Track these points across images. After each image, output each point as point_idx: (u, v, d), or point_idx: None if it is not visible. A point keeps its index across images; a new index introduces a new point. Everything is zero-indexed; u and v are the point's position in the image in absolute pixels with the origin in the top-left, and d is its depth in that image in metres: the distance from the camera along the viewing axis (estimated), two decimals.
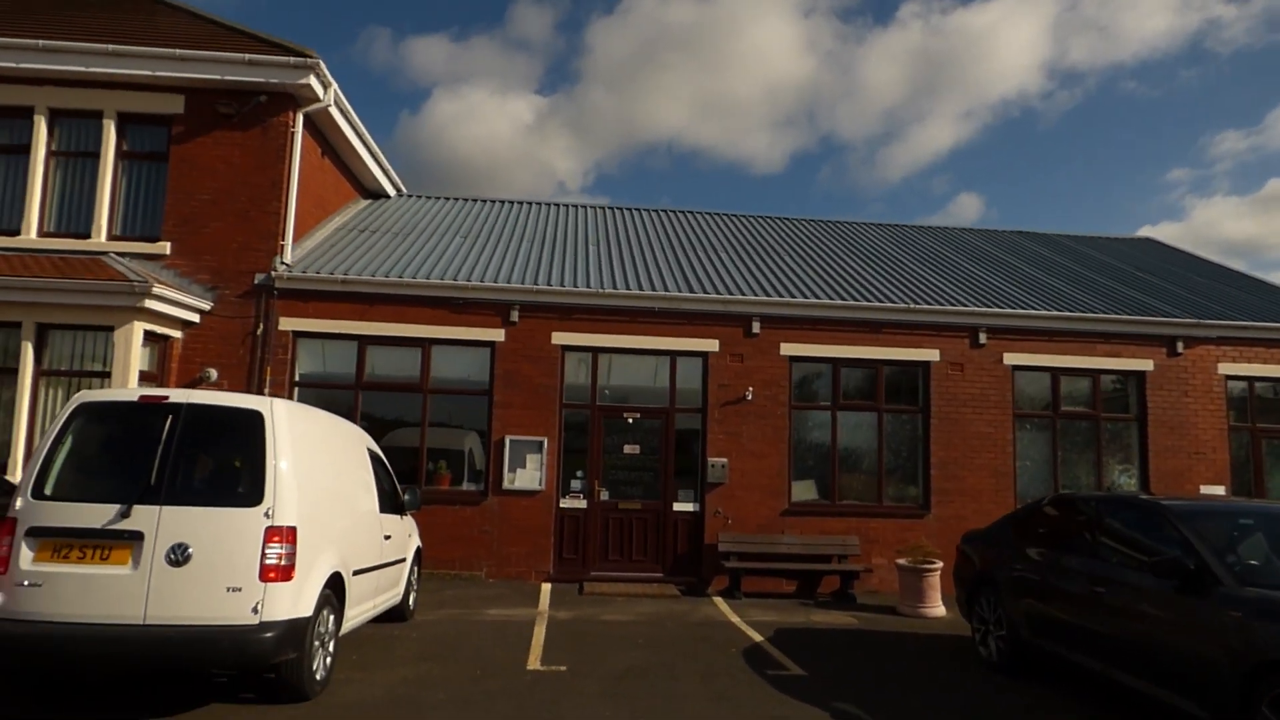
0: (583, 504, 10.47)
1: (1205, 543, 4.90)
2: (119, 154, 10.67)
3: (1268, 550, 5.28)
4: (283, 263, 10.57)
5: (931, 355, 10.94)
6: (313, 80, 10.72)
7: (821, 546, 10.29)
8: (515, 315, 10.59)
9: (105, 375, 8.97)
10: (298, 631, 4.71)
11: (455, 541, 10.17)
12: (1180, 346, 11.19)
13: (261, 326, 10.38)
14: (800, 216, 16.05)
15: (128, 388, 8.50)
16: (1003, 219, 65.26)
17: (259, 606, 4.45)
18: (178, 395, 4.93)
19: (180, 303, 9.74)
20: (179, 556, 4.40)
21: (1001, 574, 6.67)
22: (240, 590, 4.42)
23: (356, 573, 5.80)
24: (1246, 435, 11.31)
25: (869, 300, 11.02)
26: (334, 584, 5.32)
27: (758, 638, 7.70)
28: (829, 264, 12.93)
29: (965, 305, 11.10)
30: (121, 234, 10.55)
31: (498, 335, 10.60)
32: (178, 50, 10.35)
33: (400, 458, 10.43)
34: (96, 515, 4.46)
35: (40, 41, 10.11)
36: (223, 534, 4.50)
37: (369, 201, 14.73)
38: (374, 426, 10.62)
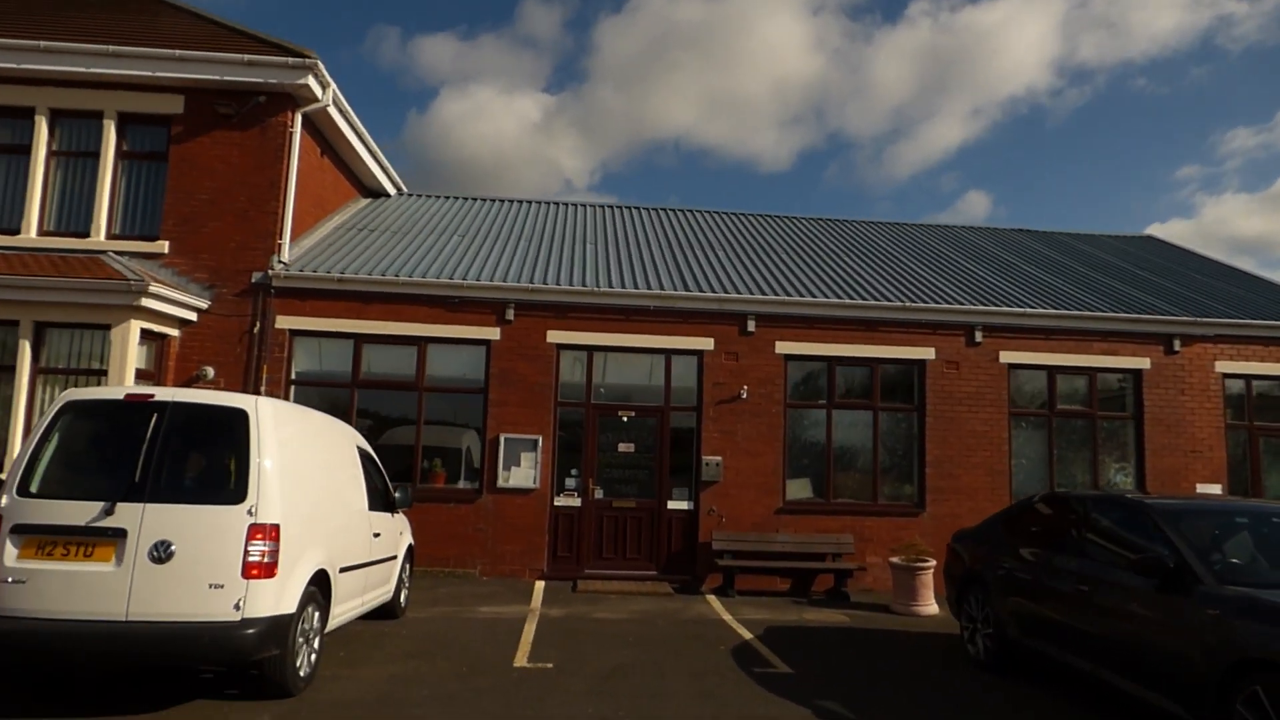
0: (577, 502, 10.51)
1: (1186, 541, 4.90)
2: (119, 154, 10.76)
3: (1253, 549, 5.27)
4: (280, 261, 10.64)
5: (927, 353, 10.93)
6: (311, 80, 10.78)
7: (816, 545, 10.29)
8: (511, 314, 10.63)
9: (102, 374, 9.06)
10: (281, 628, 4.76)
11: (450, 539, 10.22)
12: (1177, 344, 11.13)
13: (258, 325, 10.45)
14: (799, 215, 16.04)
15: (124, 386, 8.57)
16: (1011, 217, 64.96)
17: (241, 603, 4.50)
18: (163, 394, 4.99)
19: (178, 301, 9.81)
20: (162, 554, 4.46)
21: (990, 572, 6.67)
22: (222, 587, 4.47)
23: (344, 570, 5.85)
24: (1244, 433, 11.25)
25: (865, 299, 11.01)
26: (319, 581, 5.36)
27: (748, 635, 7.72)
28: (826, 262, 12.91)
29: (961, 303, 11.07)
30: (121, 233, 10.64)
31: (493, 334, 10.64)
32: (177, 51, 10.43)
33: (396, 456, 10.52)
34: (81, 513, 4.52)
35: (41, 42, 10.20)
36: (205, 531, 4.55)
37: (369, 201, 14.79)
38: (370, 425, 10.74)
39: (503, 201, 15.70)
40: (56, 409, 4.87)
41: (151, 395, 4.96)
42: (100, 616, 4.36)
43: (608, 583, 10.06)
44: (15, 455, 8.74)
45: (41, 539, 4.51)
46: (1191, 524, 5.13)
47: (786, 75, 69.77)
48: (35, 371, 9.21)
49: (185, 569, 4.47)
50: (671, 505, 10.58)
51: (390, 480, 9.83)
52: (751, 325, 10.72)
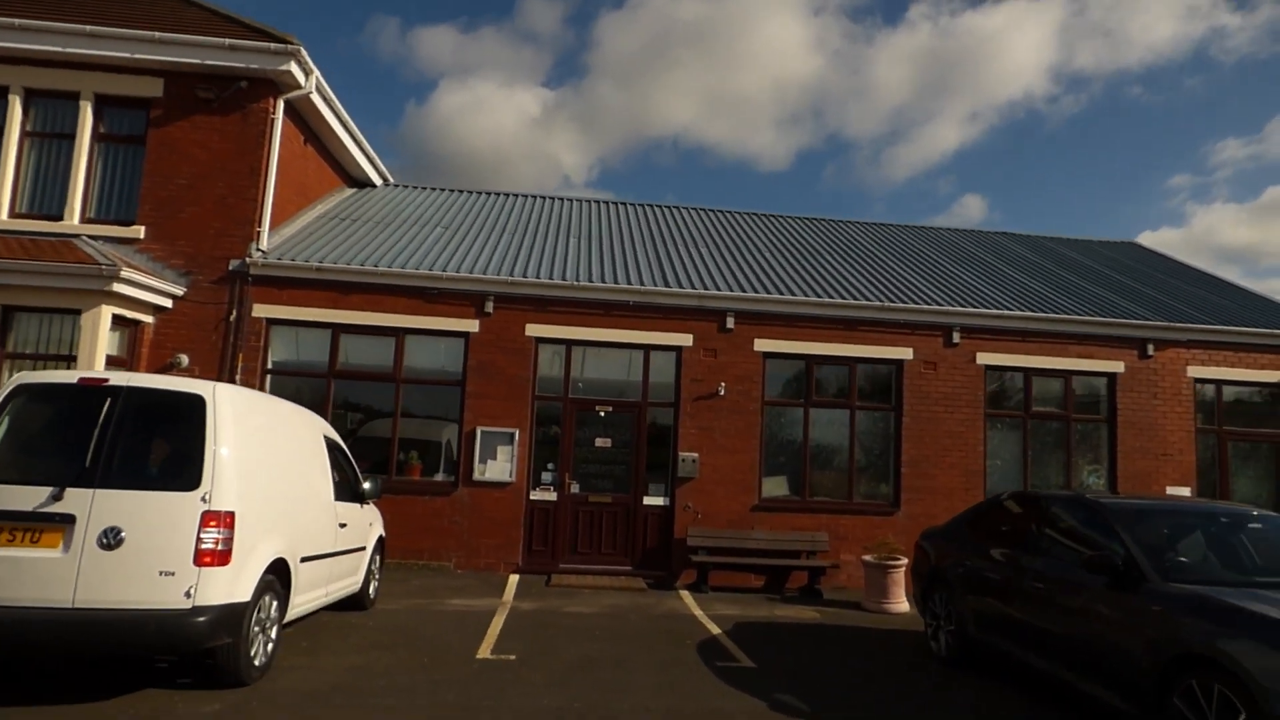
0: (553, 496, 10.49)
1: (1136, 540, 4.98)
2: (95, 136, 10.63)
3: (1205, 549, 5.35)
4: (259, 249, 10.55)
5: (905, 354, 10.97)
6: (294, 67, 10.69)
7: (790, 542, 10.33)
8: (490, 306, 10.59)
9: (72, 359, 8.96)
10: (234, 617, 4.72)
11: (425, 532, 10.19)
12: (1151, 349, 11.23)
13: (235, 313, 10.37)
14: (784, 214, 16.04)
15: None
16: (1006, 221, 65.35)
17: (192, 591, 4.46)
18: (118, 378, 4.94)
19: (152, 287, 9.71)
20: (111, 540, 4.41)
21: (953, 570, 6.73)
22: (173, 574, 4.43)
23: (305, 559, 5.81)
24: (1213, 438, 11.37)
25: (844, 298, 11.03)
26: (278, 570, 5.33)
27: (716, 631, 7.74)
28: (808, 261, 12.93)
29: (940, 304, 11.12)
30: (96, 217, 10.51)
31: (472, 326, 10.60)
32: (157, 33, 10.31)
33: (374, 447, 10.48)
34: (28, 498, 4.46)
35: (17, 20, 10.05)
36: (157, 518, 4.50)
37: (354, 190, 14.69)
38: (347, 415, 10.69)
39: (489, 194, 15.64)
40: (7, 392, 4.80)
41: (106, 379, 4.90)
42: (46, 603, 4.30)
43: (582, 577, 10.05)
44: None
45: None
46: (1142, 523, 5.21)
47: (786, 75, 69.83)
48: (2, 356, 9.10)
49: (135, 556, 4.42)
50: (647, 501, 10.58)
51: (368, 471, 9.85)
52: (731, 322, 10.72)
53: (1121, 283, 13.45)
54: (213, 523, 4.59)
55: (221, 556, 4.61)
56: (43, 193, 10.50)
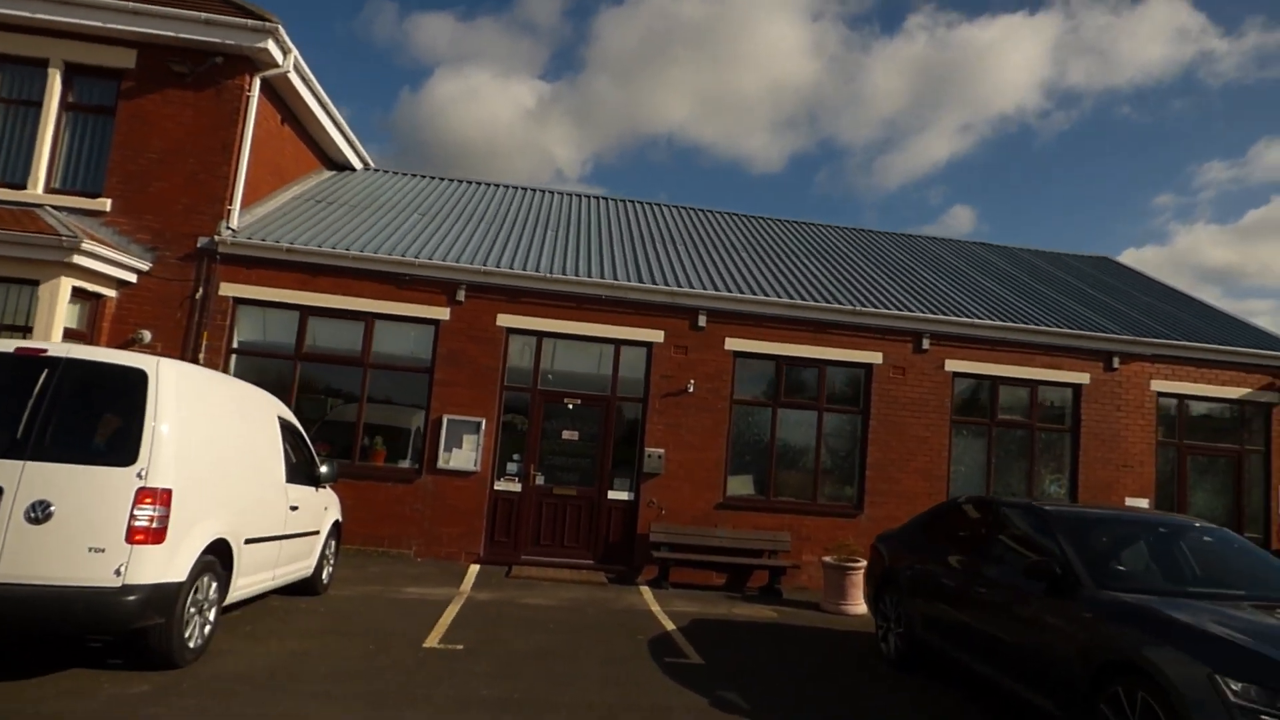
0: (517, 487, 10.45)
1: (1075, 547, 5.03)
2: (63, 105, 10.44)
3: (1146, 558, 5.42)
4: (228, 227, 10.41)
5: (875, 358, 11.02)
6: (271, 45, 10.55)
7: (753, 541, 10.35)
8: (462, 295, 10.52)
9: (28, 330, 8.79)
10: (166, 597, 4.64)
11: (387, 519, 10.11)
12: (1116, 362, 11.37)
13: (201, 291, 10.23)
14: (764, 215, 16.07)
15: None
16: (994, 233, 65.92)
17: (123, 569, 4.38)
18: (57, 349, 4.83)
19: (115, 261, 9.56)
20: (39, 514, 4.31)
21: (903, 572, 6.77)
22: (103, 551, 4.34)
23: (250, 541, 5.74)
24: (1173, 451, 11.54)
25: (817, 300, 11.07)
26: (219, 550, 5.25)
27: (670, 627, 7.74)
28: (783, 263, 12.96)
29: (911, 311, 11.19)
30: (61, 187, 10.33)
31: (443, 314, 10.52)
32: (131, 3, 10.13)
33: (340, 432, 10.39)
34: None
35: None
36: (89, 493, 4.41)
37: (332, 173, 14.53)
38: (313, 399, 10.59)
39: (469, 183, 15.53)
40: None
41: (44, 350, 4.79)
42: None
43: (543, 569, 10.02)
44: None
45: None
46: (1083, 531, 5.27)
47: (783, 78, 69.98)
48: None
49: (64, 531, 4.33)
50: (612, 495, 10.57)
51: (331, 456, 9.77)
52: (702, 320, 10.72)
53: (1092, 296, 13.59)
54: (148, 499, 4.50)
55: (156, 534, 4.52)
56: (7, 160, 10.30)
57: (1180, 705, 3.85)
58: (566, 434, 10.62)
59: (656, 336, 10.68)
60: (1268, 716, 3.63)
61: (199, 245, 10.30)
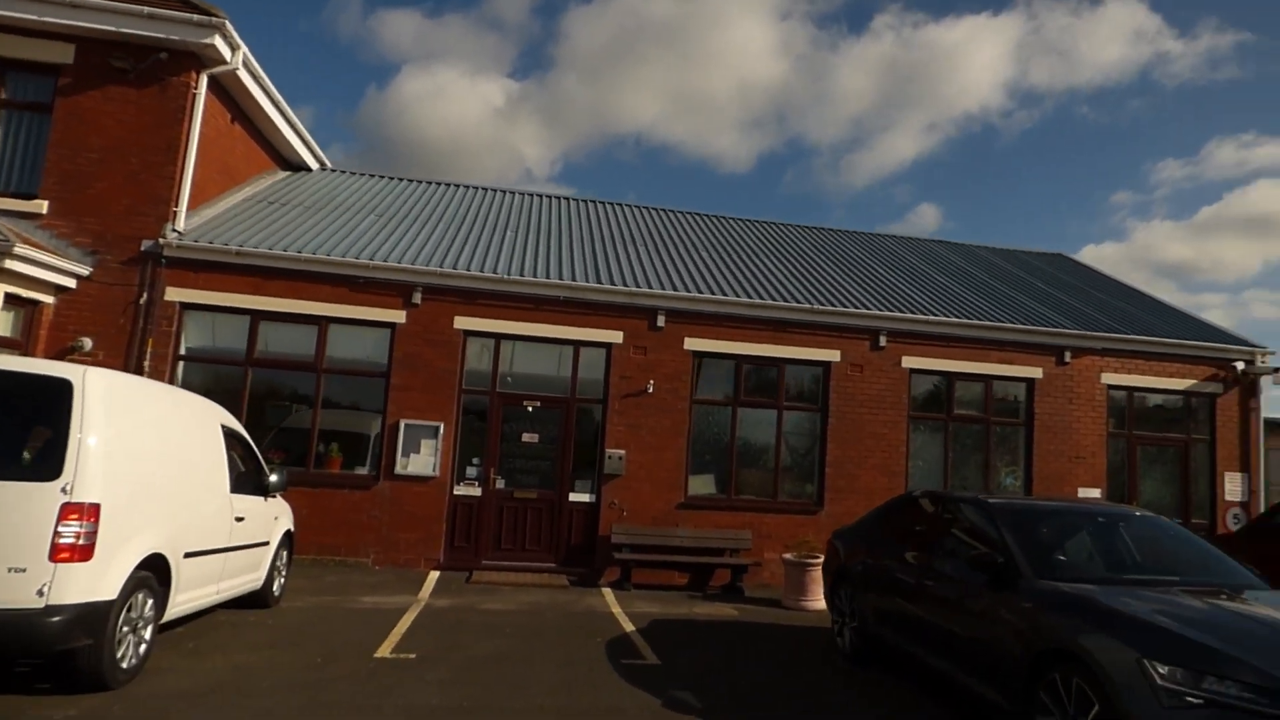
0: (478, 491, 10.32)
1: (1017, 538, 5.11)
2: None
3: (1086, 547, 5.53)
4: (174, 230, 10.11)
5: (833, 356, 11.11)
6: (218, 41, 10.27)
7: (714, 540, 10.37)
8: (418, 297, 10.36)
9: None
10: (95, 616, 4.47)
11: (343, 527, 9.92)
12: (1068, 356, 11.61)
13: (145, 296, 9.92)
14: (724, 215, 16.12)
15: None
16: (960, 231, 67.15)
17: (46, 589, 4.19)
18: None
19: (52, 265, 9.21)
20: None
21: (856, 567, 6.82)
22: (24, 571, 4.15)
23: (190, 555, 5.57)
24: (1124, 442, 11.84)
25: (775, 299, 11.12)
26: (155, 565, 5.08)
27: (630, 628, 7.70)
28: (742, 262, 13.00)
29: (868, 308, 11.30)
30: None
31: (398, 317, 10.35)
32: None
33: (297, 439, 10.16)
34: None
35: None
36: (10, 510, 4.21)
37: (287, 174, 14.22)
38: (266, 406, 10.33)
39: (429, 183, 15.32)
40: None
41: None
42: None
43: (504, 574, 9.92)
44: None
45: None
46: (1025, 523, 5.36)
47: (751, 78, 70.43)
48: None
49: None
50: (573, 497, 10.50)
51: (283, 463, 9.55)
52: (661, 320, 10.70)
53: (1045, 292, 13.88)
54: (73, 515, 4.32)
55: (83, 551, 4.34)
56: None
57: (1111, 690, 3.94)
58: (526, 437, 10.52)
59: (615, 337, 10.63)
60: (1193, 697, 3.74)
61: (143, 248, 9.99)
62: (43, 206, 9.79)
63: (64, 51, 10.08)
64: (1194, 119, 67.66)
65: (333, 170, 15.22)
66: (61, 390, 4.52)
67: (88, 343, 9.65)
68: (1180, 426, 12.16)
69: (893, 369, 11.22)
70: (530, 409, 10.60)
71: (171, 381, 9.84)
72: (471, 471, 10.37)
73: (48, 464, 4.37)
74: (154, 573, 5.09)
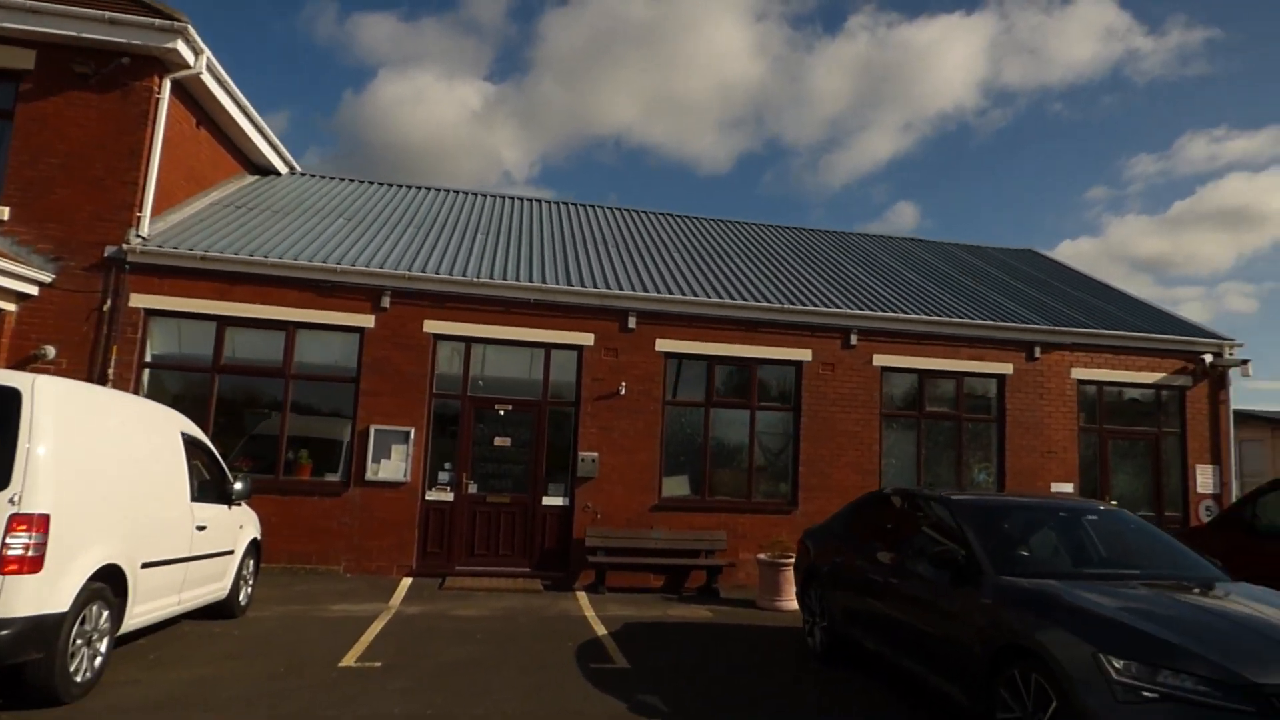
0: (450, 497, 10.25)
1: (978, 534, 5.12)
2: None
3: (1048, 542, 5.55)
4: (138, 235, 9.97)
5: (805, 355, 11.14)
6: (181, 45, 10.15)
7: (688, 542, 10.36)
8: (386, 301, 10.28)
9: None
10: (46, 629, 4.39)
11: (313, 534, 9.82)
12: (1038, 351, 11.71)
13: (109, 303, 9.79)
14: (698, 215, 16.13)
15: None
16: (937, 229, 67.71)
17: None
18: None
19: (13, 273, 9.07)
20: None
21: (825, 566, 6.83)
22: None
23: (148, 565, 5.48)
24: (1095, 436, 11.95)
25: (746, 299, 11.13)
26: (109, 577, 5.00)
27: (601, 632, 7.67)
28: (713, 262, 13.02)
29: (839, 307, 11.34)
30: None
31: (367, 321, 10.27)
32: (30, 1, 9.63)
33: (268, 446, 10.05)
34: None
35: None
36: None
37: (255, 178, 14.09)
38: (234, 413, 10.22)
39: (400, 187, 15.23)
40: None
41: None
42: None
43: (478, 579, 9.86)
44: None
45: None
46: (987, 519, 5.37)
47: (728, 79, 70.70)
48: None
49: None
50: (547, 501, 10.45)
51: (251, 471, 9.44)
52: (632, 322, 10.69)
53: (1015, 288, 14.00)
54: (21, 526, 4.24)
55: (32, 563, 4.26)
56: None
57: (1068, 685, 3.95)
58: (499, 440, 10.47)
59: (587, 339, 10.60)
60: (1148, 691, 3.74)
61: (106, 255, 9.85)
62: (4, 213, 9.64)
63: (25, 57, 9.95)
64: (1166, 114, 68.74)
65: (302, 174, 15.09)
66: (9, 399, 4.44)
67: (51, 351, 9.51)
68: (1151, 420, 12.29)
69: (864, 367, 11.27)
70: (502, 412, 10.54)
71: (137, 389, 9.71)
72: (443, 476, 10.30)
73: None
74: (109, 584, 5.01)
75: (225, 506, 7.08)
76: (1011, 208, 69.05)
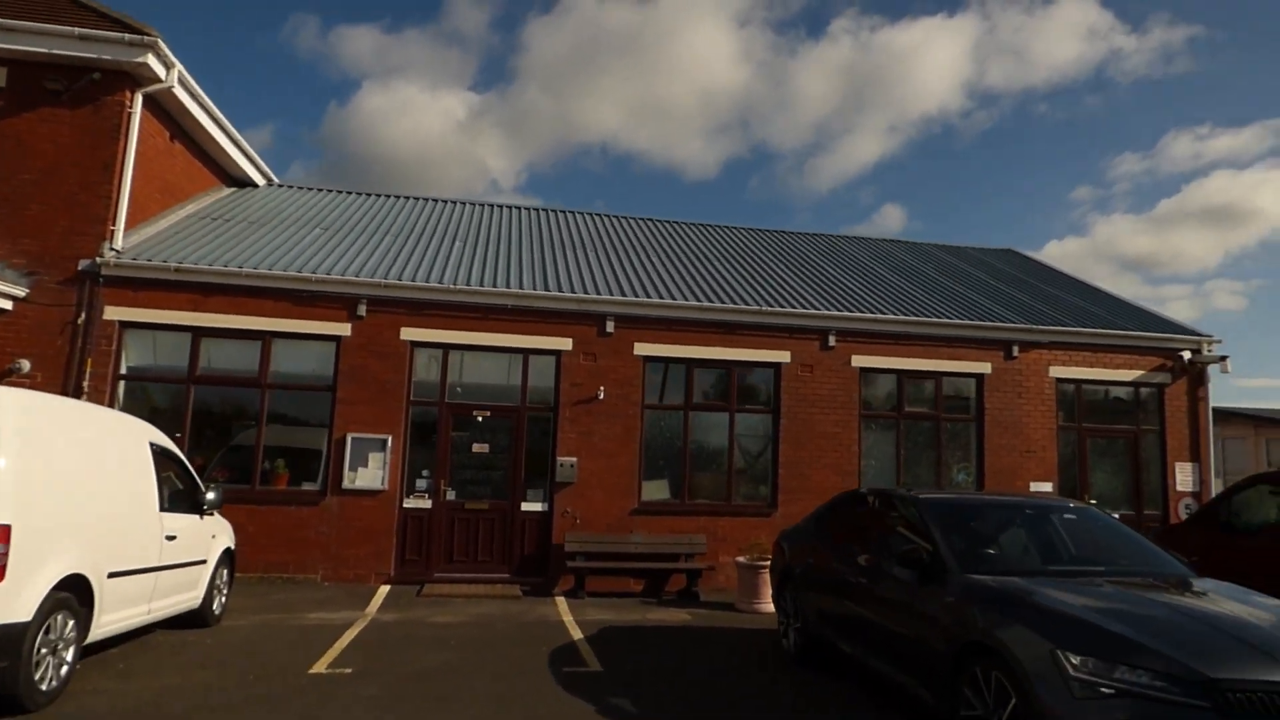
0: (428, 504, 10.22)
1: (944, 533, 5.13)
2: None
3: (1016, 540, 5.55)
4: (112, 249, 9.97)
5: (783, 357, 11.17)
6: (152, 59, 10.17)
7: (668, 545, 10.34)
8: (363, 309, 10.28)
9: None
10: (10, 638, 4.41)
11: (290, 543, 9.77)
12: (1016, 350, 11.77)
13: (84, 316, 9.76)
14: (677, 219, 16.18)
15: None
16: (924, 231, 68.08)
17: None
18: None
19: None
20: None
21: (798, 567, 6.83)
22: None
23: (115, 575, 5.47)
24: (1074, 434, 11.99)
25: (724, 302, 11.17)
26: (75, 586, 5.00)
27: (578, 636, 7.65)
28: (692, 265, 13.06)
29: (817, 308, 11.39)
30: None
31: (344, 330, 10.26)
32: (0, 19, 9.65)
33: (245, 456, 10.01)
34: None
35: None
36: None
37: (232, 190, 14.09)
38: (211, 423, 10.18)
39: (376, 196, 15.25)
40: None
41: None
42: None
43: (456, 586, 9.82)
44: None
45: None
46: (954, 517, 5.38)
47: (713, 85, 71.13)
48: None
49: None
50: (526, 507, 10.43)
51: (225, 481, 9.40)
52: (610, 326, 10.70)
53: (994, 287, 14.08)
54: None
55: None
56: None
57: (1026, 682, 3.95)
58: (477, 447, 10.45)
59: (565, 344, 10.61)
60: (1105, 687, 3.74)
61: (80, 268, 9.83)
62: None
63: None
64: (1150, 113, 69.40)
65: (279, 185, 15.10)
66: None
67: (25, 364, 9.48)
68: (1129, 418, 12.35)
69: (843, 368, 11.30)
70: (480, 419, 10.53)
71: (112, 401, 9.68)
72: (421, 484, 10.28)
73: None
74: (74, 593, 5.02)
75: (197, 516, 7.06)
76: (998, 209, 69.56)
